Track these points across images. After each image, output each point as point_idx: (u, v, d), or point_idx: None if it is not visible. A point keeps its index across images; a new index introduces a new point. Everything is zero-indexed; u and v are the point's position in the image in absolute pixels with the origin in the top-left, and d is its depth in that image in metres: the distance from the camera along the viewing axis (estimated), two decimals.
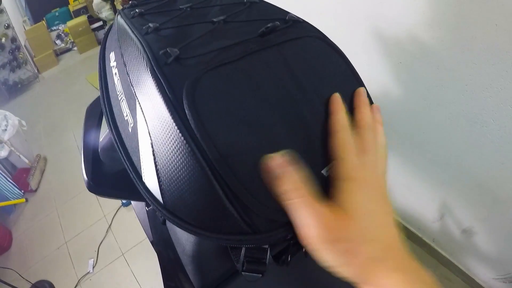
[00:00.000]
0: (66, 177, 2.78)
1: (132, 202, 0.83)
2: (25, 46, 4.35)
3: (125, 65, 0.43)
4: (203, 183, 0.32)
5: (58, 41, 4.70)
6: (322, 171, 0.35)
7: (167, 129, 0.33)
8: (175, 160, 0.33)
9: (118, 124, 0.46)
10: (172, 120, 0.32)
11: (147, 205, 0.60)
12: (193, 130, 0.31)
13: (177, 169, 0.34)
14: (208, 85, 0.34)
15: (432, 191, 1.27)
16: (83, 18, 4.53)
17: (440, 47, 0.89)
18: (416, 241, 1.55)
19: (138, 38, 0.41)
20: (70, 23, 4.47)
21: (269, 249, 0.39)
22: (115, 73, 0.46)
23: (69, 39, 4.68)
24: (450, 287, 1.23)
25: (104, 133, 0.69)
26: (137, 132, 0.39)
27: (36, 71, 4.33)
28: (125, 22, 0.48)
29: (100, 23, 4.59)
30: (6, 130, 2.71)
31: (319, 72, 0.40)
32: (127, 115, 0.42)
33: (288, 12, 0.48)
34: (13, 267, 2.21)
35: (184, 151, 0.32)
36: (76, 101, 3.63)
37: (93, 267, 2.07)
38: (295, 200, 0.31)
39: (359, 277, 0.31)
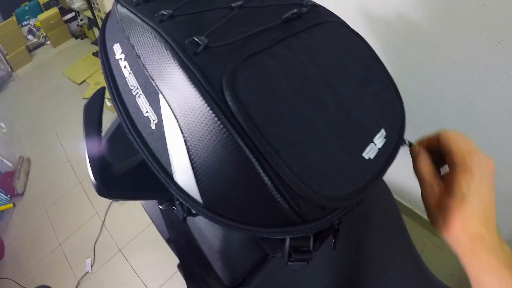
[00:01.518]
0: (52, 176, 2.72)
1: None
2: None
3: (138, 57, 0.40)
4: (251, 178, 0.31)
5: (30, 36, 4.52)
6: (363, 154, 0.37)
7: (206, 123, 0.31)
8: (219, 157, 0.32)
9: (136, 122, 0.43)
10: (213, 115, 0.30)
11: (160, 203, 0.57)
12: (239, 124, 0.30)
13: (221, 166, 0.32)
14: (246, 75, 0.32)
15: None
16: (54, 10, 4.34)
17: (428, 26, 0.89)
18: (408, 214, 1.60)
19: (153, 27, 0.39)
20: (41, 16, 4.27)
21: (312, 236, 0.40)
22: (124, 66, 0.43)
23: (41, 33, 4.50)
24: (441, 255, 1.27)
25: (104, 130, 0.66)
26: (163, 129, 0.37)
27: (9, 69, 4.17)
28: (130, 10, 0.45)
29: (73, 14, 4.39)
30: None
31: (345, 58, 0.41)
32: (147, 111, 0.39)
33: None
34: (9, 276, 2.18)
35: (230, 146, 0.31)
36: (54, 96, 3.53)
37: (92, 266, 2.06)
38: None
39: (463, 247, 0.36)
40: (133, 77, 0.41)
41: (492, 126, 0.98)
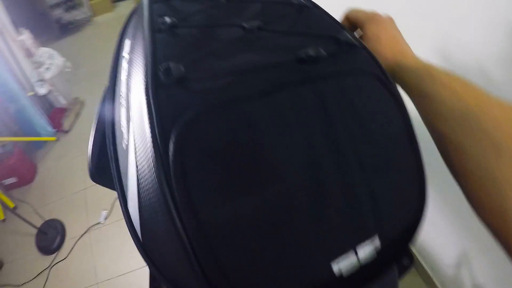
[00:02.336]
0: None
1: None
2: None
3: (130, 64, 0.34)
4: (176, 249, 0.25)
5: None
6: (331, 264, 0.28)
7: (150, 169, 0.26)
8: (154, 209, 0.27)
9: (116, 131, 0.37)
10: (153, 165, 0.25)
11: None
12: (174, 189, 0.24)
13: (155, 220, 0.27)
14: (208, 131, 0.26)
15: (457, 235, 1.19)
16: None
17: (509, 87, 0.80)
18: (425, 279, 1.49)
19: (147, 36, 0.33)
20: None
21: None
22: (125, 68, 0.37)
23: None
24: None
25: None
26: (128, 153, 0.31)
27: (90, 14, 4.38)
28: (147, 5, 0.39)
29: None
30: (49, 68, 2.77)
31: (366, 130, 0.30)
32: (123, 127, 0.33)
33: (343, 28, 0.38)
34: (30, 202, 2.32)
35: (162, 205, 0.25)
36: None
37: (105, 219, 2.13)
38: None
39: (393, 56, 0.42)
40: (125, 83, 0.35)
41: None
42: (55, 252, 2.05)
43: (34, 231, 2.10)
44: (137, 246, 0.32)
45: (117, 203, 2.15)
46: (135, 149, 0.29)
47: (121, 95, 0.36)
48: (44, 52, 2.86)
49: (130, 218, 0.32)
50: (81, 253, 2.02)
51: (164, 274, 0.30)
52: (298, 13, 0.39)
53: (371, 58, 0.35)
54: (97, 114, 0.52)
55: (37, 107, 2.67)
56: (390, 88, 0.33)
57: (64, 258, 2.01)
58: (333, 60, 0.32)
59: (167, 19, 0.34)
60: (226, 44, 0.33)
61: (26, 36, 2.71)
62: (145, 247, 0.31)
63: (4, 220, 2.28)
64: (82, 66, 3.51)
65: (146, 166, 0.27)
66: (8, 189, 2.45)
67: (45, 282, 1.94)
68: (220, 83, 0.28)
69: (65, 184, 2.43)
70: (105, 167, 0.46)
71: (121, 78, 0.37)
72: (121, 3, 4.72)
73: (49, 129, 2.75)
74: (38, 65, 2.75)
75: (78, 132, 2.84)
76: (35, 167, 2.60)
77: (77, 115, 2.97)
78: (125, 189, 0.34)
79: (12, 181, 2.43)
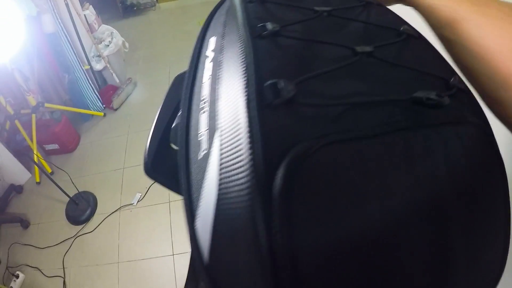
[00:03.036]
0: (147, 108, 2.86)
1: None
2: None
3: (220, 67, 0.31)
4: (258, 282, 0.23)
5: None
6: None
7: (241, 199, 0.23)
8: (238, 236, 0.24)
9: (191, 137, 0.34)
10: (249, 198, 0.22)
11: None
12: (272, 229, 0.21)
13: (237, 244, 0.25)
14: (321, 170, 0.22)
15: None
16: None
17: None
18: None
19: (246, 42, 0.29)
20: None
21: None
22: (208, 68, 0.34)
23: None
24: None
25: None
26: (208, 165, 0.28)
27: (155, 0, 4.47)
28: (240, 6, 0.35)
29: None
30: (108, 46, 2.83)
31: (468, 195, 0.27)
32: (202, 135, 0.30)
33: (452, 69, 0.34)
34: (68, 171, 2.36)
35: (250, 244, 0.22)
36: (182, 40, 3.68)
37: (138, 202, 2.13)
38: None
39: None
40: (209, 86, 0.32)
41: None
42: (82, 224, 2.07)
43: (66, 199, 2.14)
44: (198, 265, 0.30)
45: (153, 188, 2.15)
46: (220, 166, 0.26)
47: (202, 99, 0.32)
48: (105, 30, 2.93)
49: (195, 236, 0.30)
50: (108, 230, 2.03)
51: None
52: (406, 43, 0.35)
53: (474, 101, 0.32)
54: (159, 110, 0.50)
55: (90, 81, 2.74)
56: (495, 145, 0.30)
57: (91, 231, 2.02)
58: (445, 107, 0.28)
59: (269, 25, 0.31)
60: (332, 65, 0.29)
61: (89, 11, 2.79)
62: (209, 268, 0.29)
63: (39, 183, 2.35)
64: (139, 49, 3.58)
65: (235, 191, 0.24)
66: (48, 154, 2.52)
67: (67, 250, 1.96)
68: (331, 113, 0.25)
69: (105, 160, 2.46)
70: (161, 163, 0.47)
71: (203, 80, 0.34)
72: None
73: (99, 104, 2.81)
74: (98, 41, 2.82)
75: (126, 113, 2.88)
76: (79, 138, 2.65)
77: (128, 95, 3.01)
78: (194, 203, 0.31)
79: (54, 148, 2.50)
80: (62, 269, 1.89)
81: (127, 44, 3.04)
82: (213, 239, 0.28)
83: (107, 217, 2.07)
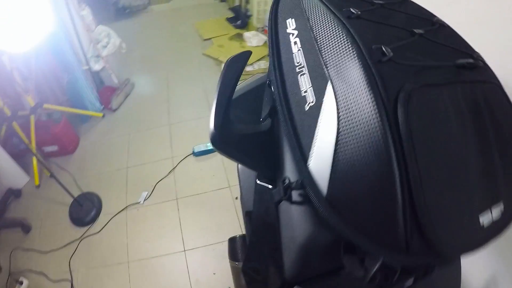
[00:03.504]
0: (147, 108, 2.83)
1: (239, 167, 0.80)
2: None
3: (315, 41, 0.42)
4: (386, 193, 0.33)
5: None
6: (480, 218, 0.38)
7: (368, 127, 0.33)
8: (365, 162, 0.33)
9: (289, 95, 0.46)
10: (379, 122, 0.32)
11: (259, 177, 0.62)
12: (401, 143, 0.31)
13: (364, 172, 0.34)
14: (420, 102, 0.34)
15: (487, 258, 1.16)
16: None
17: None
18: None
19: (341, 20, 0.41)
20: None
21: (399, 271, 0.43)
22: (294, 42, 0.46)
23: None
24: None
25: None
26: (319, 114, 0.39)
27: (147, 2, 4.43)
28: None
29: None
30: (106, 46, 2.78)
31: (494, 123, 0.40)
32: (306, 91, 0.42)
33: (474, 50, 0.47)
34: (71, 172, 2.30)
35: (382, 158, 0.32)
36: (178, 41, 3.66)
37: (145, 200, 2.08)
38: None
39: None
40: (302, 55, 0.44)
41: None
42: (88, 225, 2.01)
43: (69, 201, 2.08)
44: (315, 198, 0.39)
45: (159, 186, 2.11)
46: (338, 110, 0.36)
47: (296, 65, 0.45)
48: (103, 30, 2.87)
49: (311, 174, 0.39)
50: (115, 230, 1.97)
51: (349, 225, 0.37)
52: (439, 30, 0.49)
53: (492, 72, 0.46)
54: (218, 88, 0.58)
55: (89, 81, 2.68)
56: (508, 98, 0.45)
57: (97, 232, 1.96)
58: (478, 71, 0.42)
59: (353, 10, 0.42)
60: (404, 42, 0.41)
61: (87, 12, 2.74)
62: (328, 199, 0.38)
63: (38, 186, 2.27)
64: (136, 50, 3.53)
65: (359, 128, 0.33)
66: (47, 156, 2.45)
67: (73, 253, 1.90)
68: (412, 70, 0.37)
69: (106, 160, 2.41)
70: (227, 134, 0.55)
71: (293, 51, 0.46)
72: None
73: (97, 104, 2.75)
74: (96, 41, 2.77)
75: (125, 113, 2.83)
76: (78, 139, 2.59)
77: (126, 96, 2.97)
78: (305, 148, 0.41)
79: (53, 149, 2.43)
80: (69, 272, 1.82)
81: (124, 45, 2.99)
82: (333, 174, 0.36)
83: (113, 217, 2.02)
